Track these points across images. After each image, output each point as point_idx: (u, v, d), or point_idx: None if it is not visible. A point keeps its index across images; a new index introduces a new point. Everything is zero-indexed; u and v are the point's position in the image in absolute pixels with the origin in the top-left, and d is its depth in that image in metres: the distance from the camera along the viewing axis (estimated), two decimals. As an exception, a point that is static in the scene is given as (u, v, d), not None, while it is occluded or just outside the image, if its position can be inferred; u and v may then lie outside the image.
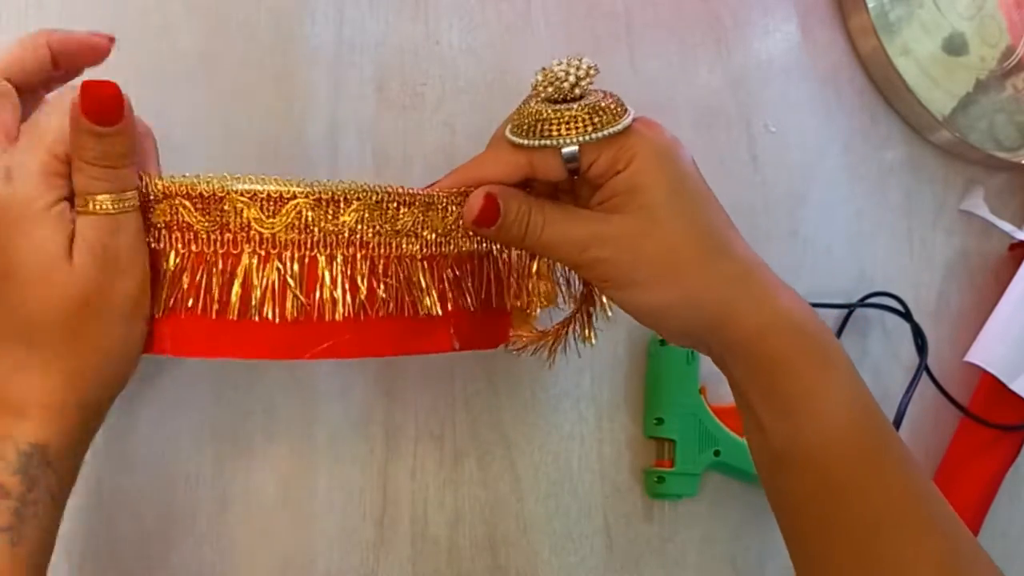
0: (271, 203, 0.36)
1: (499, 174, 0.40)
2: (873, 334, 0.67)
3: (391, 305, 0.38)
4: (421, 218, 0.39)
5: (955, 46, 0.70)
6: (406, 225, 0.39)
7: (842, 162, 0.67)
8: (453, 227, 0.41)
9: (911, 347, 0.65)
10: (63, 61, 0.37)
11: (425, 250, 0.40)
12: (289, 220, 0.36)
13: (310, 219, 0.36)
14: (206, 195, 0.36)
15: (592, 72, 0.40)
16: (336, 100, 0.53)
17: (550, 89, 0.40)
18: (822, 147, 0.67)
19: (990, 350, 0.65)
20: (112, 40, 0.38)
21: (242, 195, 0.36)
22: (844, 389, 0.38)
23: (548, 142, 0.39)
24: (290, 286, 0.36)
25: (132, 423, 0.47)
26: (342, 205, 0.37)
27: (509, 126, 0.41)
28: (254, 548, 0.50)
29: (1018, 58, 0.73)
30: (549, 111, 0.39)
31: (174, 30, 0.51)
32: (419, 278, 0.39)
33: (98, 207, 0.34)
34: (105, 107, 0.33)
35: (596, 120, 0.39)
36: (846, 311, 0.65)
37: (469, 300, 0.41)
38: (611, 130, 0.39)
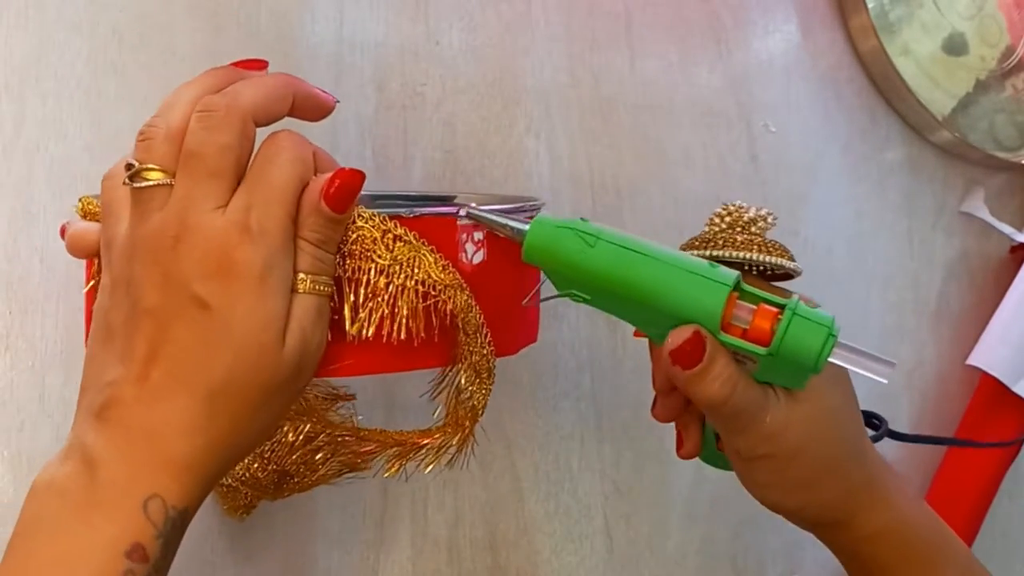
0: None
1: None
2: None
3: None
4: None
5: (955, 46, 0.70)
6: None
7: (842, 162, 0.67)
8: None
9: (910, 350, 0.65)
10: (296, 111, 0.35)
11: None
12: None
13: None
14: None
15: (772, 220, 0.41)
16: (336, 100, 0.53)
17: (728, 219, 0.40)
18: (822, 147, 0.67)
19: (992, 353, 0.65)
20: (336, 102, 0.37)
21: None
22: None
23: (719, 252, 0.39)
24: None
25: (132, 423, 0.47)
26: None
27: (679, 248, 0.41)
28: (254, 548, 0.50)
29: (1018, 58, 0.72)
30: (724, 234, 0.40)
31: (174, 30, 0.51)
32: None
33: (306, 287, 0.33)
34: (349, 197, 0.33)
35: (771, 247, 0.39)
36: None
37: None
38: (786, 262, 0.39)
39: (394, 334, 0.34)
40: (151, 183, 0.32)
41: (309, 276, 0.33)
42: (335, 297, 0.34)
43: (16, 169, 0.47)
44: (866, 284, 0.67)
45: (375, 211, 0.34)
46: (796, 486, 0.39)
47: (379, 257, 0.34)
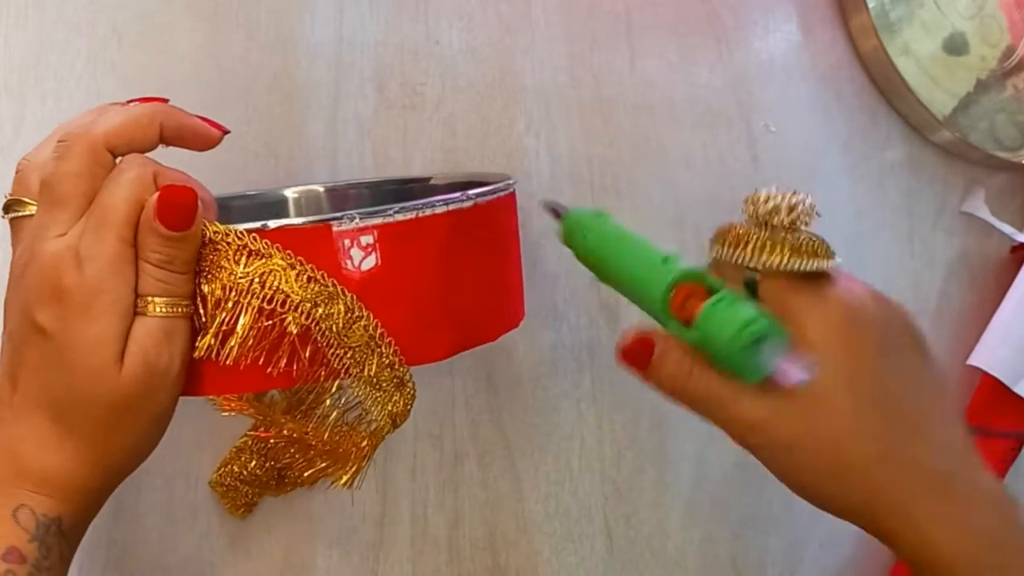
0: (252, 254, 0.34)
1: None
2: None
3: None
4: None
5: (955, 46, 0.70)
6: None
7: (842, 162, 0.67)
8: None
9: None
10: (169, 141, 0.35)
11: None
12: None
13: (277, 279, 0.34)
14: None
15: (813, 214, 0.37)
16: (336, 100, 0.53)
17: (765, 207, 0.37)
18: (822, 147, 0.67)
19: (993, 353, 0.65)
20: (225, 132, 0.37)
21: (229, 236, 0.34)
22: None
23: (738, 257, 0.36)
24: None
25: (132, 423, 0.47)
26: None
27: (713, 236, 0.38)
28: (254, 548, 0.50)
29: (1018, 58, 0.72)
30: (752, 232, 0.36)
31: (173, 30, 0.51)
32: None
33: (155, 309, 0.33)
34: (181, 214, 0.33)
35: (796, 255, 0.35)
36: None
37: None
38: (803, 265, 0.35)
39: (240, 355, 0.34)
40: (20, 214, 0.34)
41: (153, 298, 0.33)
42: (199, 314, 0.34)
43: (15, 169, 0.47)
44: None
45: (232, 226, 0.34)
46: (803, 479, 0.36)
47: (226, 274, 0.34)
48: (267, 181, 0.51)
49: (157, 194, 0.32)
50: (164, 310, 0.33)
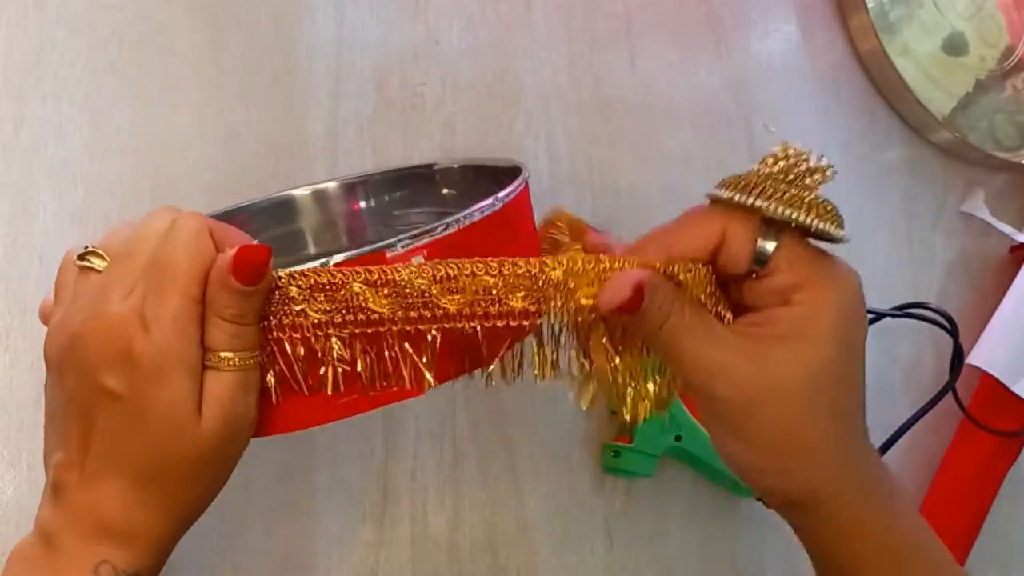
0: (324, 288, 0.34)
1: (687, 242, 0.36)
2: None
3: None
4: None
5: (955, 46, 0.70)
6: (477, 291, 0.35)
7: (842, 162, 0.67)
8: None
9: (910, 350, 0.65)
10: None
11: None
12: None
13: (367, 299, 0.34)
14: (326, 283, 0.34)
15: (829, 175, 0.35)
16: (336, 100, 0.53)
17: (782, 163, 0.35)
18: (821, 147, 0.66)
19: (992, 352, 0.65)
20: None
21: (294, 281, 0.34)
22: None
23: (761, 203, 0.34)
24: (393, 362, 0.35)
25: (132, 423, 0.47)
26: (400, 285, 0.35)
27: (718, 184, 0.36)
28: (254, 548, 0.50)
29: (1017, 58, 0.73)
30: (774, 180, 0.34)
31: (174, 30, 0.51)
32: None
33: (228, 364, 0.34)
34: (256, 270, 0.33)
35: (816, 213, 0.34)
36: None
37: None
38: (832, 229, 0.34)
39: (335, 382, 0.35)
40: (91, 266, 0.34)
41: (227, 352, 0.33)
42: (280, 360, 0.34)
43: (16, 169, 0.47)
44: (866, 284, 0.66)
45: (293, 269, 0.34)
46: (756, 448, 0.35)
47: (305, 317, 0.34)
48: (267, 181, 0.51)
49: (233, 252, 0.32)
50: (237, 363, 0.34)
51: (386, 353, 0.35)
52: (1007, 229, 0.69)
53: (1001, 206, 0.72)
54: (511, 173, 0.44)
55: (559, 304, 0.35)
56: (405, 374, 0.36)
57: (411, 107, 0.55)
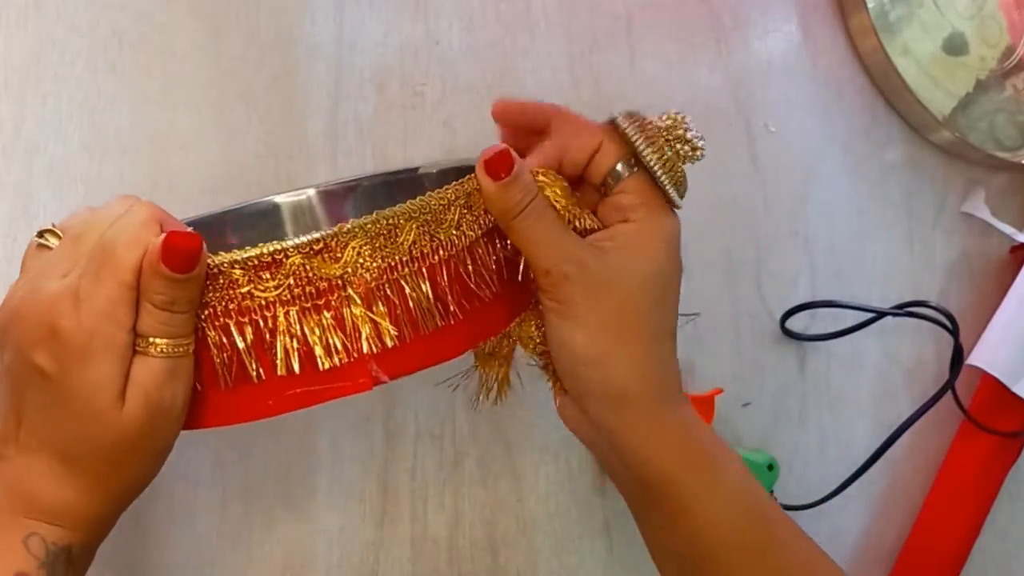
0: (268, 266, 0.34)
1: (576, 144, 0.41)
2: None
3: (407, 329, 0.37)
4: (424, 227, 0.37)
5: (955, 46, 0.70)
6: (408, 240, 0.36)
7: (842, 162, 0.67)
8: (457, 224, 0.39)
9: (910, 350, 0.65)
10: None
11: (426, 259, 0.37)
12: (286, 280, 0.35)
13: (312, 268, 0.35)
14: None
15: (698, 155, 0.42)
16: (336, 100, 0.53)
17: (669, 123, 0.41)
18: (822, 147, 0.67)
19: (993, 353, 0.65)
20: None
21: (236, 264, 0.34)
22: (729, 495, 0.40)
23: (635, 136, 0.40)
24: (329, 337, 0.35)
25: (132, 423, 0.47)
26: (337, 250, 0.35)
27: (624, 113, 0.41)
28: (254, 548, 0.50)
29: (1018, 58, 0.72)
30: (658, 131, 0.40)
31: (174, 30, 0.51)
32: (422, 293, 0.38)
33: (157, 350, 0.34)
34: (186, 258, 0.33)
35: (666, 169, 0.40)
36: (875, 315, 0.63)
37: (477, 292, 0.40)
38: (670, 189, 0.40)
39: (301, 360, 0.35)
40: (46, 244, 0.35)
41: (156, 339, 0.34)
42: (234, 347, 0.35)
43: (16, 169, 0.47)
44: (866, 284, 0.67)
45: (234, 253, 0.34)
46: (595, 329, 0.39)
47: (254, 294, 0.34)
48: (267, 181, 0.51)
49: (162, 238, 0.33)
50: (166, 350, 0.34)
51: (346, 317, 0.35)
52: (1008, 229, 0.69)
53: (1002, 206, 0.72)
54: None
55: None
56: (365, 336, 0.35)
57: (411, 107, 0.55)
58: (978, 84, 0.71)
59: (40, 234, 0.35)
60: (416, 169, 0.51)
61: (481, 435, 0.55)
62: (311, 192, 0.50)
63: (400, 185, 0.51)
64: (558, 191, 0.40)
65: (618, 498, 0.58)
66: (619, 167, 0.40)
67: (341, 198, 0.51)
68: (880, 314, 0.62)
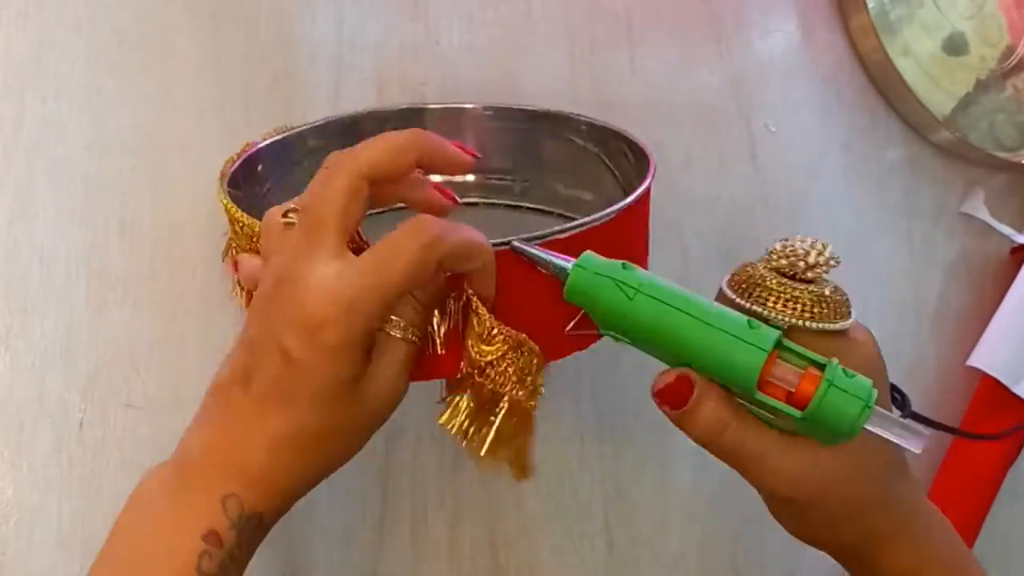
0: None
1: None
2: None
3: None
4: None
5: (955, 46, 0.70)
6: None
7: (842, 162, 0.67)
8: None
9: (910, 350, 0.64)
10: (426, 168, 0.37)
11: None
12: None
13: None
14: None
15: (833, 263, 0.37)
16: (336, 100, 0.53)
17: (783, 262, 0.37)
18: (822, 147, 0.67)
19: (992, 353, 0.65)
20: (476, 157, 0.39)
21: None
22: None
23: (759, 309, 0.35)
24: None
25: (132, 424, 0.47)
26: None
27: (728, 278, 0.38)
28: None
29: (1018, 58, 0.72)
30: (774, 281, 0.36)
31: (174, 30, 0.51)
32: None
33: (400, 333, 0.36)
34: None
35: (817, 310, 0.35)
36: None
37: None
38: (829, 325, 0.35)
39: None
40: (292, 222, 0.35)
41: (409, 326, 0.36)
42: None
43: (15, 169, 0.47)
44: (866, 284, 0.67)
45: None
46: (817, 526, 0.38)
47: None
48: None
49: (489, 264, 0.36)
50: (411, 336, 0.36)
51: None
52: (1007, 230, 0.69)
53: (1001, 206, 0.72)
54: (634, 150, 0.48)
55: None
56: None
57: (411, 107, 0.55)
58: (978, 84, 0.71)
59: (285, 214, 0.35)
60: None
61: (481, 435, 0.55)
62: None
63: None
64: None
65: (618, 498, 0.58)
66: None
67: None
68: None
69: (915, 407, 0.62)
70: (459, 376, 0.39)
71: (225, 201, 0.42)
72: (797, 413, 0.33)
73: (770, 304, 0.35)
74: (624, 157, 0.50)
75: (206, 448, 0.35)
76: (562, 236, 0.37)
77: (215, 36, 0.51)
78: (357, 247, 0.36)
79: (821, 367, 0.34)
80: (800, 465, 0.36)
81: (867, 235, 0.67)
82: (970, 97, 0.70)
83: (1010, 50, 0.72)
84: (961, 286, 0.70)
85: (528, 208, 0.55)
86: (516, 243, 0.37)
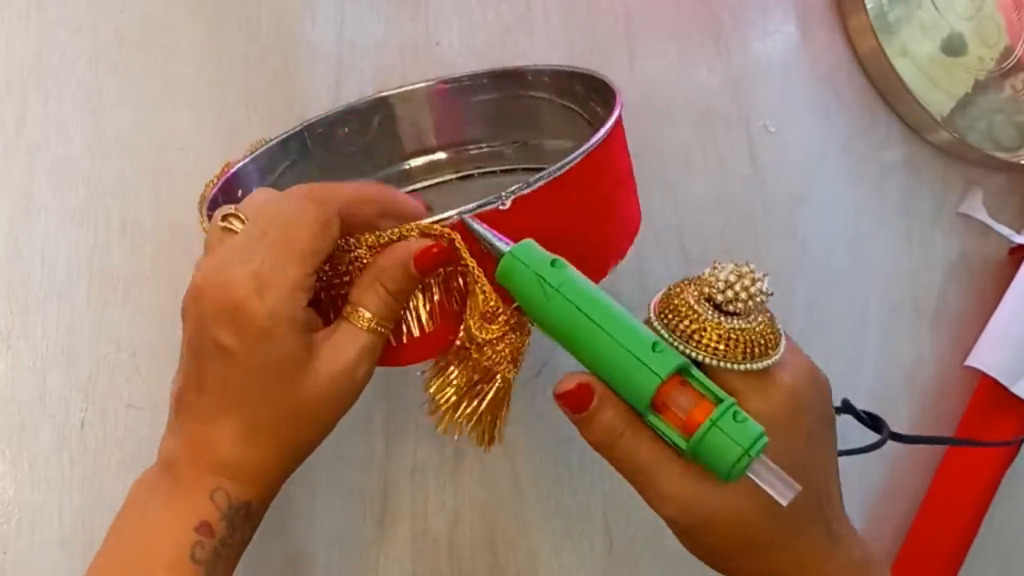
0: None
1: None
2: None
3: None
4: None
5: (954, 47, 0.71)
6: None
7: (841, 162, 0.67)
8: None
9: (910, 350, 0.64)
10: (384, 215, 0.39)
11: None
12: None
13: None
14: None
15: (760, 298, 0.34)
16: (336, 100, 0.53)
17: (706, 289, 0.35)
18: (822, 147, 0.67)
19: (991, 354, 0.65)
20: (429, 208, 0.40)
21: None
22: None
23: (690, 350, 0.34)
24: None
25: (134, 424, 0.47)
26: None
27: (657, 306, 0.36)
28: (254, 548, 0.50)
29: (1016, 58, 0.73)
30: (690, 309, 0.35)
31: (175, 31, 0.51)
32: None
33: (367, 324, 0.37)
34: (437, 266, 0.37)
35: (722, 348, 0.34)
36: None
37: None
38: (731, 365, 0.34)
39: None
40: (230, 228, 0.36)
41: (369, 315, 0.37)
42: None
43: (16, 169, 0.47)
44: (865, 284, 0.67)
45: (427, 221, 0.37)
46: (708, 554, 0.37)
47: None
48: (268, 181, 0.51)
49: (423, 246, 0.36)
50: (373, 327, 0.37)
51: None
52: (1005, 231, 0.69)
53: (1000, 206, 0.72)
54: (600, 89, 0.47)
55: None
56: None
57: (411, 107, 0.55)
58: (977, 85, 0.71)
59: (224, 217, 0.36)
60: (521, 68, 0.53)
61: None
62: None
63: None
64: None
65: (618, 498, 0.58)
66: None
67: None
68: None
69: (915, 407, 0.63)
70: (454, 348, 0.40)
71: (206, 227, 0.41)
72: (682, 443, 0.33)
73: (679, 331, 0.34)
74: (591, 99, 0.51)
75: (183, 452, 0.36)
76: (525, 191, 0.37)
77: (215, 36, 0.51)
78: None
79: (721, 402, 0.33)
80: (691, 490, 0.34)
81: (866, 235, 0.68)
82: (969, 98, 0.71)
83: (1008, 51, 0.72)
84: (960, 286, 0.70)
85: (523, 169, 0.55)
86: (466, 218, 0.36)
